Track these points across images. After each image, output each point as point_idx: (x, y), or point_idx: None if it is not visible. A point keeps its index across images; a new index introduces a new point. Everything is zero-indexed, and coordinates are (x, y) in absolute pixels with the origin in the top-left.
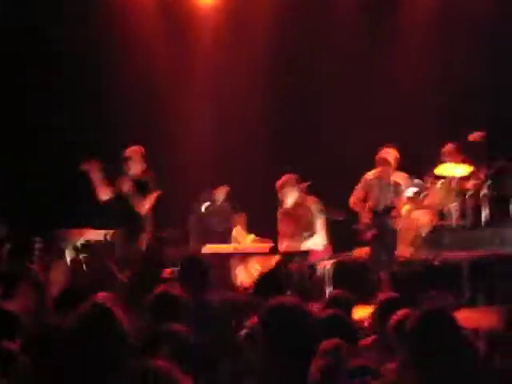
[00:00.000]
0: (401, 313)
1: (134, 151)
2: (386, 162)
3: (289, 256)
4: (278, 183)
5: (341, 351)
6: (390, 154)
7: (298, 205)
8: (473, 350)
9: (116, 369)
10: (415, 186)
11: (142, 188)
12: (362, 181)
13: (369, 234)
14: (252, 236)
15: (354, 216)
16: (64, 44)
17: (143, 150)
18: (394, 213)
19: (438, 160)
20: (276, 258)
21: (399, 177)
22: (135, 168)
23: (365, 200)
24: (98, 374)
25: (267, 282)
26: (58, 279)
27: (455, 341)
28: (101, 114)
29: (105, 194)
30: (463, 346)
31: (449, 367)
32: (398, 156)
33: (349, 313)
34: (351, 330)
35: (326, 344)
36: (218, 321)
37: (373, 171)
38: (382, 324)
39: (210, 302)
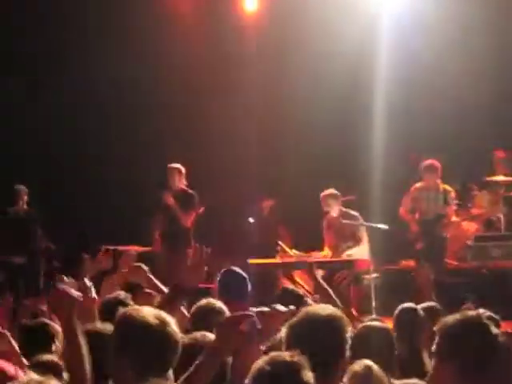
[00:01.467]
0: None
1: (175, 167)
2: (432, 171)
3: (333, 266)
4: (322, 195)
5: (371, 376)
6: (435, 164)
7: (341, 216)
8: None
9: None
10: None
11: (184, 202)
12: (410, 192)
13: (419, 244)
14: (295, 251)
15: (400, 226)
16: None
17: (184, 167)
18: (444, 221)
19: (485, 168)
20: (320, 272)
21: (447, 187)
22: (177, 183)
23: (413, 211)
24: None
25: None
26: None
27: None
28: (148, 133)
29: None
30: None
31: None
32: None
33: None
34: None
35: (356, 366)
36: None
37: (421, 182)
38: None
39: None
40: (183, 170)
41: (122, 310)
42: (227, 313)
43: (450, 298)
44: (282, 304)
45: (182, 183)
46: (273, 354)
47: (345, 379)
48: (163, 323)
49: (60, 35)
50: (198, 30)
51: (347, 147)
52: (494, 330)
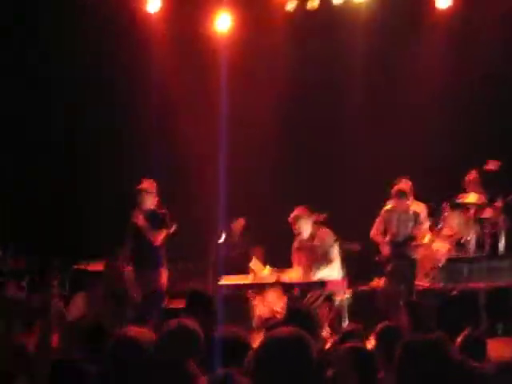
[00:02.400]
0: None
1: (147, 185)
2: (401, 193)
3: (305, 287)
4: (292, 216)
5: None
6: (405, 184)
7: (312, 236)
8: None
9: None
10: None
11: (155, 221)
12: (381, 213)
13: (389, 265)
14: (268, 268)
15: (370, 247)
16: (76, 73)
17: (155, 183)
18: (413, 243)
19: (456, 188)
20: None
21: (418, 206)
22: (148, 201)
23: (385, 232)
24: None
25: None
26: (76, 313)
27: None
28: (115, 148)
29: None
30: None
31: None
32: (412, 186)
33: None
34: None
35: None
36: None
37: (390, 203)
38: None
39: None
40: (153, 188)
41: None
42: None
43: (422, 319)
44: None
45: (152, 203)
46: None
47: None
48: None
49: None
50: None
51: (321, 165)
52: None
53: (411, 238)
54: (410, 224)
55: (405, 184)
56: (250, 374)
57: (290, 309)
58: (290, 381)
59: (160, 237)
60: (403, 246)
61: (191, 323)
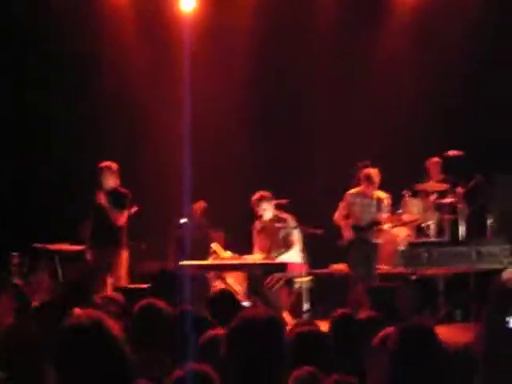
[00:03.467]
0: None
1: (108, 165)
2: (370, 179)
3: (265, 268)
4: (254, 198)
5: (314, 381)
6: (374, 172)
7: (274, 220)
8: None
9: None
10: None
11: (117, 201)
12: (345, 197)
13: (350, 250)
14: (229, 253)
15: (331, 231)
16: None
17: (117, 164)
18: (376, 228)
19: (417, 175)
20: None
21: (382, 193)
22: (110, 181)
23: (347, 217)
24: None
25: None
26: (39, 293)
27: (438, 359)
28: (80, 129)
29: None
30: (446, 363)
31: None
32: (379, 173)
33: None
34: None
35: (299, 372)
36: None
37: (355, 188)
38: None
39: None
40: (115, 168)
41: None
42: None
43: (380, 303)
44: (217, 307)
45: (114, 182)
46: None
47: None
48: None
49: None
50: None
51: (284, 148)
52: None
53: (374, 222)
54: (373, 209)
55: (373, 170)
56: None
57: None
58: (261, 362)
59: (122, 217)
60: (366, 230)
61: (161, 303)
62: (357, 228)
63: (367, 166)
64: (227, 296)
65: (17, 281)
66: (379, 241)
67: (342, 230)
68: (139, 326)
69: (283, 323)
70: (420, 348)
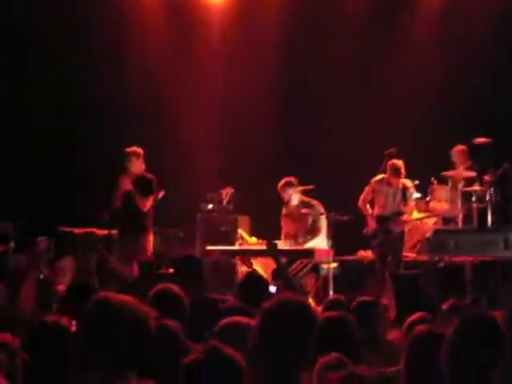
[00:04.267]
0: (415, 316)
1: (134, 151)
2: (396, 171)
3: (292, 254)
4: (280, 184)
5: (342, 366)
6: (400, 164)
7: (301, 206)
8: None
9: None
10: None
11: (143, 186)
12: (370, 183)
13: (375, 240)
14: (254, 239)
15: (358, 218)
16: (65, 45)
17: (142, 149)
18: (401, 217)
19: (444, 163)
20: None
21: (407, 182)
22: (135, 167)
23: (371, 202)
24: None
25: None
26: (64, 277)
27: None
28: (106, 117)
29: None
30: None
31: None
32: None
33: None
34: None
35: (326, 358)
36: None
37: (381, 176)
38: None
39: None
40: (141, 153)
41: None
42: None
43: (406, 290)
44: (246, 290)
45: (140, 167)
46: None
47: (315, 371)
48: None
49: None
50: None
51: (310, 134)
52: None
53: (399, 212)
54: (398, 198)
55: (399, 161)
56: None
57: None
58: (294, 346)
59: (148, 202)
60: (390, 220)
61: (176, 288)
62: (381, 218)
63: (394, 154)
64: (257, 279)
65: (42, 265)
66: (404, 229)
67: (367, 219)
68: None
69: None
70: (481, 338)
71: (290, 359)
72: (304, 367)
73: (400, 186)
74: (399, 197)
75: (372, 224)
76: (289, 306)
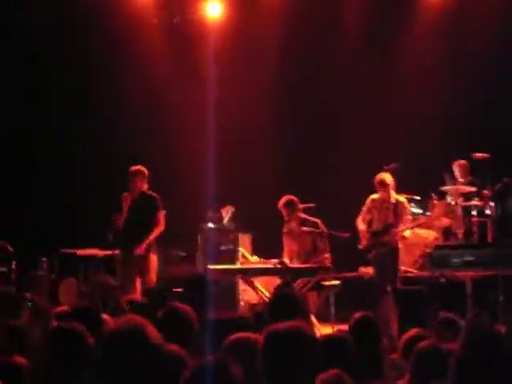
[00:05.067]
0: (411, 332)
1: (139, 169)
2: (383, 183)
3: (296, 273)
4: (281, 202)
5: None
6: (386, 176)
7: (302, 224)
8: None
9: None
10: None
11: (150, 204)
12: (366, 202)
13: (369, 255)
14: (255, 257)
15: (358, 235)
16: (66, 58)
17: (146, 169)
18: (392, 230)
19: (443, 177)
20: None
21: (400, 197)
22: (140, 185)
23: (370, 221)
24: None
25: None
26: (67, 298)
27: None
28: (106, 132)
29: None
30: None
31: None
32: (393, 177)
33: None
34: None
35: (326, 375)
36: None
37: (376, 194)
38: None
39: (212, 321)
40: (146, 172)
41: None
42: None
43: (409, 306)
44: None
45: (144, 186)
46: None
47: None
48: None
49: None
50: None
51: (310, 151)
52: None
53: (390, 225)
54: (390, 213)
55: (385, 174)
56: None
57: (276, 294)
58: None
59: (162, 218)
60: (381, 234)
61: (185, 307)
62: (373, 233)
63: (392, 169)
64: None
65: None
66: (397, 242)
67: (360, 235)
68: (162, 331)
69: (312, 331)
70: (486, 352)
71: (292, 379)
72: None
73: (392, 200)
74: (391, 211)
75: (364, 240)
76: (289, 329)
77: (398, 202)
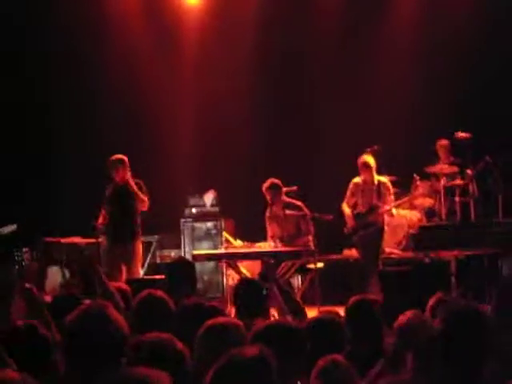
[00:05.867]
0: (405, 316)
1: (118, 158)
2: (366, 165)
3: (278, 256)
4: (264, 186)
5: (340, 369)
6: (369, 158)
7: (285, 207)
8: None
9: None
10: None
11: (131, 193)
12: (350, 187)
13: (355, 237)
14: (239, 242)
15: (342, 217)
16: (49, 46)
17: (126, 157)
18: (377, 211)
19: (426, 158)
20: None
21: (382, 178)
22: (122, 174)
23: (355, 204)
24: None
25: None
26: (51, 287)
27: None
28: (88, 121)
29: None
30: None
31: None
32: (375, 159)
33: None
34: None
35: (323, 361)
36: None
37: (358, 176)
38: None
39: (194, 308)
40: (126, 160)
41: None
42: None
43: (394, 287)
44: (241, 296)
45: (125, 174)
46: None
47: (313, 375)
48: None
49: None
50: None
51: (293, 134)
52: None
53: (374, 207)
54: (374, 194)
55: (368, 156)
56: None
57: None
58: None
59: (146, 204)
60: (366, 215)
61: (160, 293)
62: (358, 215)
63: (374, 151)
64: (252, 285)
65: (27, 277)
66: (382, 223)
67: (346, 219)
68: (138, 317)
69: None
70: (468, 328)
71: (285, 370)
72: (299, 375)
73: (375, 182)
74: (375, 193)
75: (350, 222)
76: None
77: (380, 183)
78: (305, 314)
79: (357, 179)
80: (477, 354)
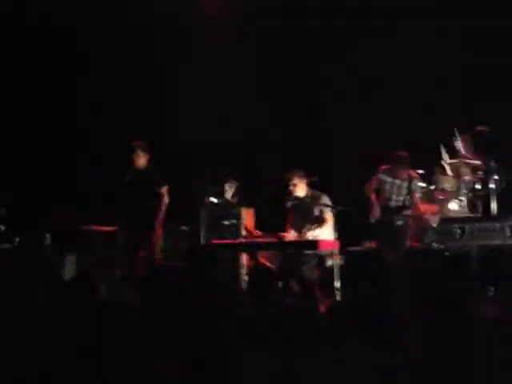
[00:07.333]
0: None
1: (139, 144)
2: (401, 159)
3: (298, 246)
4: (287, 177)
5: None
6: (406, 155)
7: (307, 198)
8: None
9: None
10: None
11: (153, 178)
12: (377, 171)
13: (379, 230)
14: (259, 232)
15: (363, 210)
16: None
17: (147, 144)
18: (405, 210)
19: (448, 151)
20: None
21: (412, 173)
22: (142, 160)
23: (377, 191)
24: None
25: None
26: (69, 274)
27: None
28: (107, 110)
29: None
30: None
31: None
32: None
33: None
34: None
35: None
36: None
37: (388, 166)
38: None
39: None
40: (146, 146)
41: None
42: None
43: (414, 281)
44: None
45: (145, 160)
46: None
47: None
48: None
49: None
50: None
51: (316, 127)
52: None
53: (403, 206)
54: (403, 191)
55: (405, 153)
56: None
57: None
58: None
59: (166, 192)
60: (394, 213)
61: None
62: (385, 208)
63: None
64: (264, 273)
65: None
66: (408, 222)
67: (371, 207)
68: None
69: None
70: None
71: None
72: None
73: (405, 177)
74: (404, 188)
75: (376, 213)
76: None
77: (411, 178)
78: (323, 306)
79: (385, 168)
80: None
